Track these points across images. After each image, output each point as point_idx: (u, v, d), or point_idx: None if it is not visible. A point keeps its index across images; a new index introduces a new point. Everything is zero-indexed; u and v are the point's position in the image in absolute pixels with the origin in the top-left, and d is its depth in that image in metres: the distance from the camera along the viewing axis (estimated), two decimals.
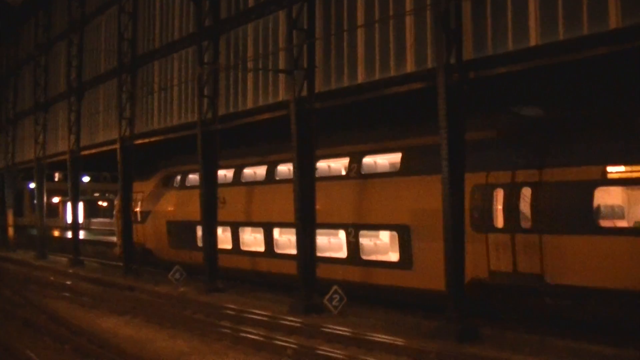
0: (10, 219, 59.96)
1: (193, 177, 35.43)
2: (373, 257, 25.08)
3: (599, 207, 18.20)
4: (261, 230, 29.83)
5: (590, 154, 18.33)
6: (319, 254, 25.00)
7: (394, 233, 23.70)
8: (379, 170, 25.85)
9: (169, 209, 36.64)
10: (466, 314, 18.82)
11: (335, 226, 26.16)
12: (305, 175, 24.21)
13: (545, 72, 20.09)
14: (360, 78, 23.24)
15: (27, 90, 56.36)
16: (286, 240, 29.13)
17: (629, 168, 17.40)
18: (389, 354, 17.00)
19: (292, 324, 20.94)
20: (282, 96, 26.49)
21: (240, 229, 31.29)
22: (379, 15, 22.54)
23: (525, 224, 19.53)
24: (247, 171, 32.32)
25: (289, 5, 24.89)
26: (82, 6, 44.58)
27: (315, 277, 24.07)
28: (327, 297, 22.60)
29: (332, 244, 27.67)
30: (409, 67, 21.53)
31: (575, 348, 17.07)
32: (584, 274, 17.93)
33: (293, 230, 25.73)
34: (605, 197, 18.36)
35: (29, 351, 17.40)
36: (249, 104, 28.66)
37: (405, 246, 22.83)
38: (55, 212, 64.66)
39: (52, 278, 36.34)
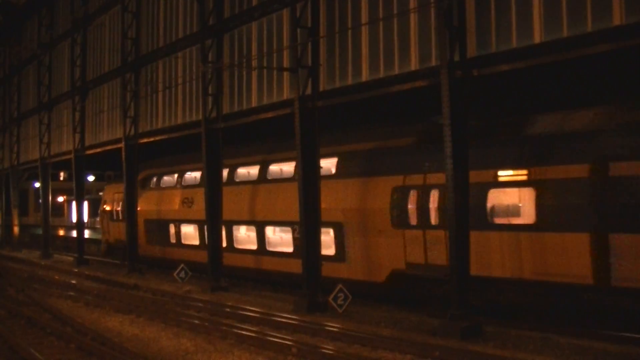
0: (14, 218, 60.06)
1: (167, 179, 38.73)
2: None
3: (492, 206, 20.95)
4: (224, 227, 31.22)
5: (485, 160, 20.80)
6: (272, 249, 29.02)
7: (329, 229, 26.10)
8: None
9: (146, 208, 39.06)
10: (469, 312, 18.83)
11: (284, 224, 28.56)
12: (309, 173, 24.17)
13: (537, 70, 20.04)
14: (365, 76, 23.22)
15: (31, 89, 56.44)
16: (246, 236, 31.88)
17: (515, 172, 20.40)
18: (393, 352, 17.00)
19: (296, 322, 20.93)
20: (286, 94, 26.47)
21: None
22: (382, 13, 22.52)
23: (434, 221, 22.24)
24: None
25: (293, 3, 24.90)
26: (85, 5, 44.58)
27: (320, 276, 24.05)
28: (331, 295, 22.59)
29: (283, 240, 29.60)
30: (413, 64, 21.50)
31: (578, 345, 17.07)
32: (481, 265, 20.19)
33: (253, 228, 30.03)
34: (497, 197, 20.90)
35: (32, 349, 17.45)
36: (253, 103, 28.64)
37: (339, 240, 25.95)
38: (60, 211, 64.68)
39: (56, 277, 36.39)
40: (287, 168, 29.96)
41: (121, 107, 38.68)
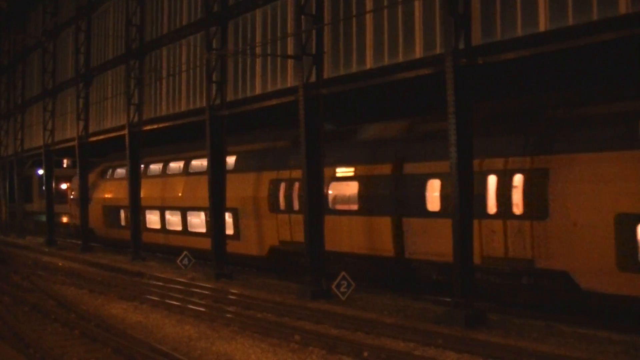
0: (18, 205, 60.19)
1: (120, 171, 43.98)
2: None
3: (334, 195, 26.55)
4: (158, 212, 38.82)
5: (330, 159, 25.28)
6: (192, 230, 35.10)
7: (229, 214, 31.43)
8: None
9: (103, 196, 45.02)
10: (473, 300, 18.85)
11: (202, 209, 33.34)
12: (313, 161, 24.16)
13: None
14: (369, 64, 23.17)
15: (35, 76, 56.44)
16: (176, 220, 36.96)
17: (346, 169, 26.06)
18: (397, 340, 17.00)
19: (299, 309, 20.97)
20: (290, 82, 26.43)
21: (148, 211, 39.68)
22: (387, 1, 22.45)
23: (296, 207, 27.68)
24: (154, 167, 40.68)
25: None
26: None
27: (324, 263, 24.09)
28: (335, 283, 22.61)
29: (202, 221, 34.50)
30: (418, 52, 21.45)
31: (582, 334, 17.06)
32: (328, 241, 24.50)
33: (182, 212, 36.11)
34: (336, 188, 26.44)
35: (37, 336, 17.49)
36: (257, 90, 28.61)
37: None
38: (64, 198, 65.18)
39: (60, 264, 36.48)
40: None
41: (125, 94, 38.68)
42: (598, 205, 18.09)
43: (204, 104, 30.68)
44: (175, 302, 22.93)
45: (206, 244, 31.04)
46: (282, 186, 28.76)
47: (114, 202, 43.27)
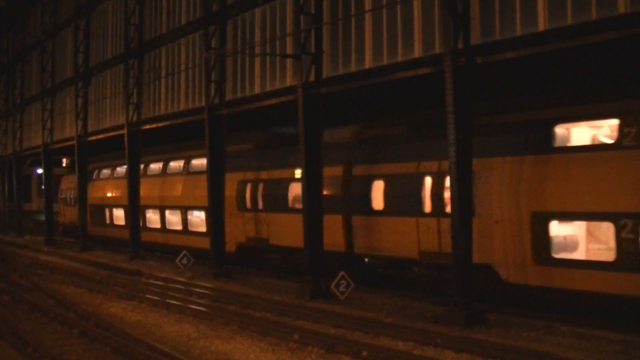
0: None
1: (105, 172, 46.70)
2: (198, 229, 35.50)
3: (294, 195, 28.04)
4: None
5: (290, 161, 27.93)
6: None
7: (201, 212, 34.34)
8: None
9: (89, 195, 45.76)
10: (472, 300, 18.86)
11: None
12: (312, 161, 24.16)
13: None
14: (368, 63, 23.17)
15: (34, 75, 56.39)
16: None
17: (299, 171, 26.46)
18: (396, 340, 17.02)
19: (298, 309, 20.99)
20: (289, 81, 26.42)
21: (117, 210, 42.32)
22: (386, 0, 22.45)
23: (260, 206, 30.07)
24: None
25: None
26: None
27: (323, 263, 24.09)
28: (334, 282, 22.62)
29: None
30: (417, 52, 21.45)
31: (581, 333, 17.08)
32: (288, 238, 27.52)
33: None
34: (296, 189, 27.37)
35: (36, 335, 17.50)
36: (256, 89, 28.60)
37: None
38: None
39: (59, 263, 36.47)
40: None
41: (124, 94, 38.68)
42: (516, 205, 19.91)
43: (203, 104, 30.68)
44: (174, 302, 22.95)
45: (181, 240, 35.57)
46: (248, 187, 31.00)
47: (99, 202, 45.58)
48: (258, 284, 27.13)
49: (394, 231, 23.21)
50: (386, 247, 23.77)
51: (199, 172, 34.51)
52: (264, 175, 29.84)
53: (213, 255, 29.73)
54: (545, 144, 19.57)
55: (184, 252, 31.81)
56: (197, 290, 25.47)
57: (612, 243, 17.63)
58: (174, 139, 39.45)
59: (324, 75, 24.35)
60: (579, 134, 19.96)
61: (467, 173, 19.15)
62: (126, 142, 37.72)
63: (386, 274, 25.55)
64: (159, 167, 39.90)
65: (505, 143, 20.66)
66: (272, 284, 27.02)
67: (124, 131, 38.04)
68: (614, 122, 18.26)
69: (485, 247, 20.52)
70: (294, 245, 27.02)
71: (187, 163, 36.87)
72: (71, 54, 47.92)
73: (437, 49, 20.51)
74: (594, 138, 19.69)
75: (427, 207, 22.49)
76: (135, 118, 37.52)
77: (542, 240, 19.26)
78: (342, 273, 22.78)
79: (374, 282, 25.35)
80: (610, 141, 18.59)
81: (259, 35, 28.41)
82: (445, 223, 20.89)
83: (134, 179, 37.81)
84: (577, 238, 19.89)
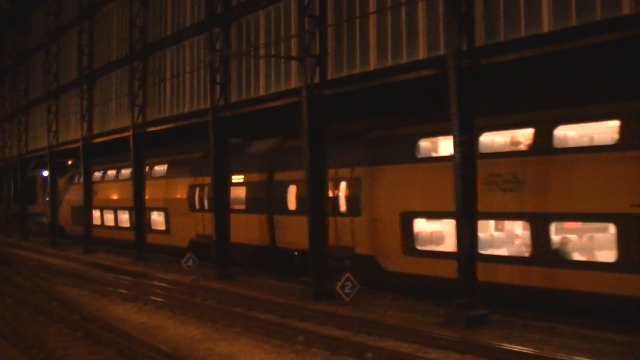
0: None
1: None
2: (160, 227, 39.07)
3: (232, 197, 31.01)
4: (112, 211, 44.91)
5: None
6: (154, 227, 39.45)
7: (161, 212, 38.48)
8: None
9: (69, 198, 50.74)
10: (476, 301, 18.83)
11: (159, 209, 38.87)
12: (315, 162, 24.15)
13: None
14: (372, 65, 23.17)
15: (39, 78, 56.50)
16: (126, 217, 42.18)
17: (237, 177, 31.74)
18: (400, 341, 17.00)
19: (303, 310, 20.98)
20: (293, 83, 26.43)
21: (104, 211, 45.92)
22: (390, 2, 22.45)
23: (206, 207, 33.49)
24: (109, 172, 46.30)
25: None
26: None
27: (326, 264, 24.07)
28: (339, 284, 22.60)
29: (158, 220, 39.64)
30: (421, 53, 21.44)
31: (583, 334, 17.06)
32: (232, 236, 30.40)
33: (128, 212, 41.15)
34: (233, 192, 31.11)
35: (40, 337, 17.50)
36: (261, 91, 28.62)
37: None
38: None
39: (63, 265, 36.52)
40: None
41: (129, 96, 38.71)
42: (390, 205, 23.81)
43: (208, 105, 30.71)
44: (178, 304, 22.94)
45: (129, 235, 40.00)
46: (197, 190, 34.64)
47: (79, 203, 47.44)
48: (261, 286, 27.12)
49: (303, 228, 25.15)
50: (299, 241, 26.30)
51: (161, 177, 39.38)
52: (207, 180, 32.46)
53: (215, 257, 30.02)
54: (412, 154, 23.28)
55: (189, 254, 31.86)
56: (202, 292, 25.46)
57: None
58: (179, 141, 39.52)
59: (328, 77, 24.37)
60: (436, 146, 23.76)
61: (473, 171, 19.12)
62: (131, 144, 37.75)
63: (300, 264, 28.05)
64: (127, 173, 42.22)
65: (386, 153, 24.53)
66: (276, 286, 27.02)
67: (129, 133, 38.07)
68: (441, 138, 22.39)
69: (369, 241, 24.73)
70: (236, 241, 30.81)
71: (151, 169, 40.08)
72: (76, 56, 48.00)
73: (441, 51, 20.50)
74: (446, 150, 22.06)
75: (344, 207, 25.95)
76: (140, 120, 37.55)
77: (408, 234, 23.08)
78: (347, 274, 22.77)
79: (294, 272, 28.77)
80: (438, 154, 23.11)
81: (263, 37, 28.43)
82: (340, 221, 25.64)
83: (138, 180, 37.82)
84: (435, 233, 23.35)
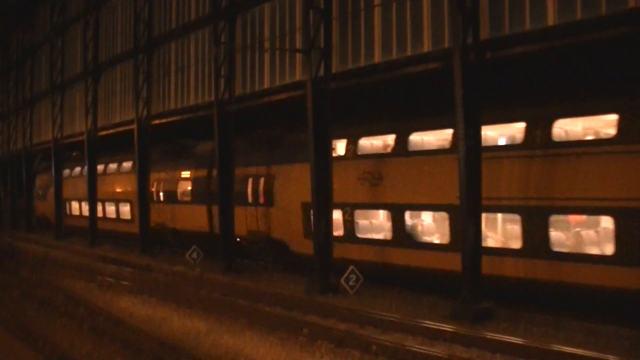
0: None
1: (66, 172, 52.92)
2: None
3: (181, 190, 36.85)
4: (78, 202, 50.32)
5: (178, 166, 37.63)
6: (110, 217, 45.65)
7: (127, 204, 42.85)
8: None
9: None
10: (481, 295, 18.83)
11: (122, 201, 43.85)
12: (321, 156, 24.15)
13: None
14: (377, 58, 23.16)
15: (44, 72, 56.55)
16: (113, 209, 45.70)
17: (187, 172, 36.48)
18: (405, 334, 17.03)
19: (308, 304, 21.00)
20: (298, 76, 26.44)
21: (82, 203, 49.75)
22: None
23: (162, 199, 39.00)
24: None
25: None
26: None
27: (332, 257, 24.09)
28: (343, 277, 22.64)
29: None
30: (426, 47, 21.44)
31: (590, 328, 17.08)
32: (178, 223, 37.21)
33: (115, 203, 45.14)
34: (182, 186, 36.95)
35: (46, 330, 17.55)
36: (265, 84, 28.64)
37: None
38: None
39: (69, 258, 36.58)
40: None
41: (134, 89, 38.73)
42: (294, 198, 27.94)
43: (212, 99, 30.71)
44: (183, 296, 22.98)
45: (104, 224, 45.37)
46: (155, 184, 39.33)
47: (64, 196, 52.35)
48: (267, 279, 27.17)
49: (235, 217, 30.50)
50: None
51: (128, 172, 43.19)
52: (162, 175, 38.56)
53: (222, 250, 30.03)
54: (305, 156, 25.45)
55: (194, 246, 31.93)
56: (207, 285, 25.49)
57: (341, 223, 25.67)
58: (183, 135, 39.62)
59: (333, 70, 24.34)
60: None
61: (477, 164, 19.10)
62: (136, 137, 37.79)
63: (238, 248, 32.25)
64: (102, 169, 46.91)
65: (293, 155, 28.35)
66: (281, 279, 27.06)
67: (134, 126, 38.11)
68: (343, 142, 26.24)
69: (281, 228, 29.04)
70: (180, 228, 37.29)
71: (119, 166, 44.84)
72: (81, 50, 48.00)
73: (447, 44, 20.50)
74: (336, 152, 26.24)
75: (250, 199, 30.97)
76: (145, 113, 37.58)
77: (307, 222, 26.69)
78: (351, 267, 22.82)
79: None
80: (341, 154, 26.27)
81: (268, 31, 28.44)
82: (259, 211, 30.29)
83: (143, 174, 37.85)
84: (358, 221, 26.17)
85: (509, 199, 20.01)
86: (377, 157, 24.97)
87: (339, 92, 24.83)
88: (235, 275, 28.17)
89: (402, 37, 22.25)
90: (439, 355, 14.77)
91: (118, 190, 43.92)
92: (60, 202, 51.71)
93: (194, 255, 31.55)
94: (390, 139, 24.68)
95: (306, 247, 26.26)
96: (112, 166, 46.02)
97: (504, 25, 19.14)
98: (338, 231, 25.39)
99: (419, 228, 23.96)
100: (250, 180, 30.85)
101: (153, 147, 38.73)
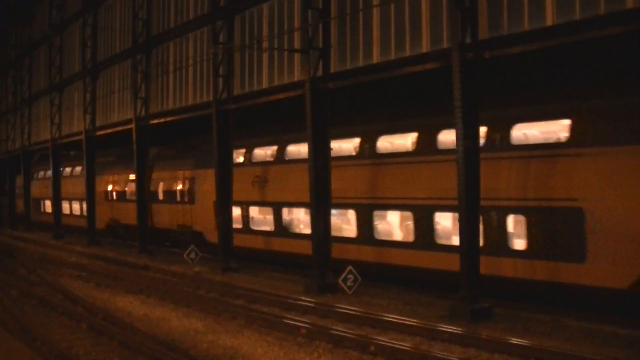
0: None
1: (40, 174, 61.19)
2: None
3: (130, 191, 42.16)
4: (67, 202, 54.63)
5: (128, 168, 42.71)
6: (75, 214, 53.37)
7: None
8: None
9: (33, 191, 60.49)
10: (480, 295, 18.83)
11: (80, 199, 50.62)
12: (319, 156, 24.16)
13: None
14: (375, 58, 23.15)
15: (42, 70, 56.51)
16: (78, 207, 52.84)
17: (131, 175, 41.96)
18: (403, 334, 17.03)
19: (306, 303, 21.01)
20: (297, 76, 26.43)
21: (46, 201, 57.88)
22: None
23: (115, 198, 45.14)
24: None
25: None
26: None
27: (330, 257, 24.10)
28: (341, 277, 22.65)
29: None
30: (424, 46, 21.42)
31: (587, 328, 17.08)
32: (125, 218, 42.90)
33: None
34: (132, 187, 41.03)
35: (44, 329, 17.53)
36: (264, 84, 28.62)
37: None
38: None
39: (67, 257, 36.58)
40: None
41: (132, 88, 38.76)
42: (208, 197, 33.55)
43: (211, 98, 30.71)
44: (181, 296, 22.98)
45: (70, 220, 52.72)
46: (109, 185, 45.99)
47: (37, 196, 60.02)
48: (265, 279, 27.17)
49: (166, 212, 38.43)
50: (164, 223, 39.37)
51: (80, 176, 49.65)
52: (114, 177, 45.49)
53: (220, 249, 30.10)
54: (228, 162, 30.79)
55: (192, 246, 31.95)
56: (205, 284, 25.50)
57: (240, 217, 31.83)
58: (182, 134, 39.66)
59: (332, 70, 24.36)
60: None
61: (476, 165, 19.11)
62: (134, 137, 37.79)
63: (168, 237, 40.43)
64: (69, 171, 55.02)
65: (209, 160, 32.47)
66: (279, 279, 27.07)
67: (132, 125, 38.12)
68: (242, 150, 32.75)
69: (199, 221, 35.19)
70: (127, 223, 42.61)
71: (72, 169, 53.59)
72: (79, 49, 47.99)
73: (445, 44, 20.48)
74: (236, 159, 31.99)
75: (178, 197, 37.21)
76: (143, 113, 37.57)
77: (216, 216, 31.28)
78: (349, 267, 22.82)
79: (165, 245, 40.70)
80: (240, 161, 32.52)
81: (267, 30, 28.42)
82: (184, 207, 36.44)
83: (141, 174, 37.90)
84: (252, 216, 32.30)
85: (344, 198, 25.56)
86: (264, 164, 31.17)
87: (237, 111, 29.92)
88: (234, 275, 28.16)
89: (400, 37, 22.23)
90: (438, 355, 14.77)
91: (79, 190, 49.54)
92: (30, 200, 60.24)
93: (192, 255, 31.54)
94: (272, 149, 31.33)
95: (217, 237, 31.36)
96: (72, 169, 54.62)
97: (502, 24, 19.11)
98: (238, 224, 31.35)
99: (296, 222, 29.70)
100: (178, 182, 37.42)
101: (105, 152, 47.38)
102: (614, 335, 16.35)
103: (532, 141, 20.89)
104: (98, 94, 44.90)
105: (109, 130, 43.37)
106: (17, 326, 18.27)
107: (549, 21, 17.91)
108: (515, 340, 15.57)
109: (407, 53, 22.00)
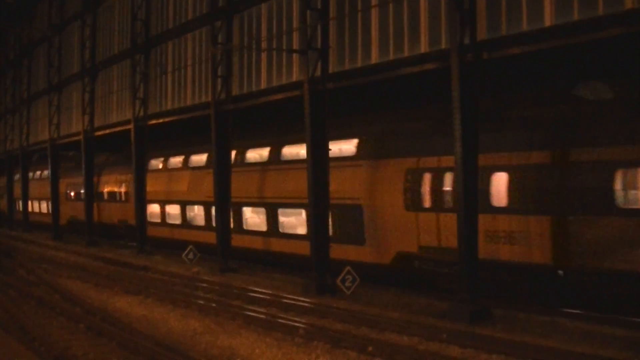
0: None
1: (30, 174, 62.91)
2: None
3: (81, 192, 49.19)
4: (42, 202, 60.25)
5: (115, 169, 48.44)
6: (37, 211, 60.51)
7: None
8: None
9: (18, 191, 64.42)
10: (479, 295, 18.83)
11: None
12: (317, 156, 24.15)
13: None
14: (374, 58, 23.14)
15: (41, 71, 56.47)
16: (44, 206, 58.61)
17: (109, 176, 48.39)
18: (401, 335, 17.03)
19: (304, 304, 21.01)
20: (295, 77, 26.41)
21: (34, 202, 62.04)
22: None
23: (72, 197, 52.19)
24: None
25: None
26: None
27: (328, 258, 24.11)
28: (339, 278, 22.64)
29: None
30: (423, 47, 21.41)
31: (585, 330, 17.08)
32: (82, 215, 47.86)
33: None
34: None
35: (42, 329, 17.52)
36: (263, 84, 28.60)
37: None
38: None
39: (65, 258, 36.57)
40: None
41: (130, 89, 38.74)
42: (154, 196, 38.82)
43: (210, 99, 30.71)
44: (180, 296, 22.98)
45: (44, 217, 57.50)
46: (68, 186, 52.72)
47: (16, 196, 64.70)
48: (263, 279, 27.15)
49: (109, 210, 45.98)
50: (110, 218, 46.45)
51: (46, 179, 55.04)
52: (75, 180, 50.38)
53: (219, 249, 30.12)
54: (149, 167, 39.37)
55: (190, 247, 31.96)
56: (203, 285, 25.50)
57: (158, 213, 39.32)
58: (180, 135, 39.65)
59: (331, 71, 24.35)
60: (158, 163, 40.67)
61: (474, 167, 19.12)
62: (133, 137, 37.79)
63: (113, 232, 46.66)
64: (39, 174, 61.10)
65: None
66: (278, 279, 27.05)
67: (131, 126, 38.11)
68: (161, 159, 40.42)
69: (132, 217, 39.21)
70: (83, 219, 46.39)
71: (41, 172, 59.69)
72: (78, 49, 47.98)
73: (444, 45, 20.46)
74: (155, 166, 39.96)
75: (118, 197, 43.88)
76: (142, 113, 37.57)
77: (163, 213, 38.96)
78: (347, 268, 22.82)
79: (117, 239, 45.96)
80: (158, 167, 40.12)
81: (266, 31, 28.41)
82: (123, 205, 43.31)
83: (140, 174, 37.91)
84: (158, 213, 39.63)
85: (258, 198, 30.69)
86: (200, 168, 36.08)
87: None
88: (232, 275, 28.16)
89: (399, 38, 22.21)
90: (437, 355, 14.77)
91: (43, 191, 55.63)
92: (12, 200, 65.62)
93: (190, 255, 31.55)
94: (201, 157, 36.62)
95: (155, 232, 38.62)
96: (41, 173, 60.01)
97: (501, 26, 19.10)
98: (154, 219, 39.24)
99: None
100: (119, 184, 44.18)
101: (70, 157, 54.69)
102: (613, 336, 16.34)
103: (338, 155, 26.21)
104: (97, 95, 44.89)
105: (108, 131, 43.38)
106: (15, 327, 18.27)
107: (548, 22, 17.90)
108: (514, 341, 15.57)
109: (406, 54, 21.99)
